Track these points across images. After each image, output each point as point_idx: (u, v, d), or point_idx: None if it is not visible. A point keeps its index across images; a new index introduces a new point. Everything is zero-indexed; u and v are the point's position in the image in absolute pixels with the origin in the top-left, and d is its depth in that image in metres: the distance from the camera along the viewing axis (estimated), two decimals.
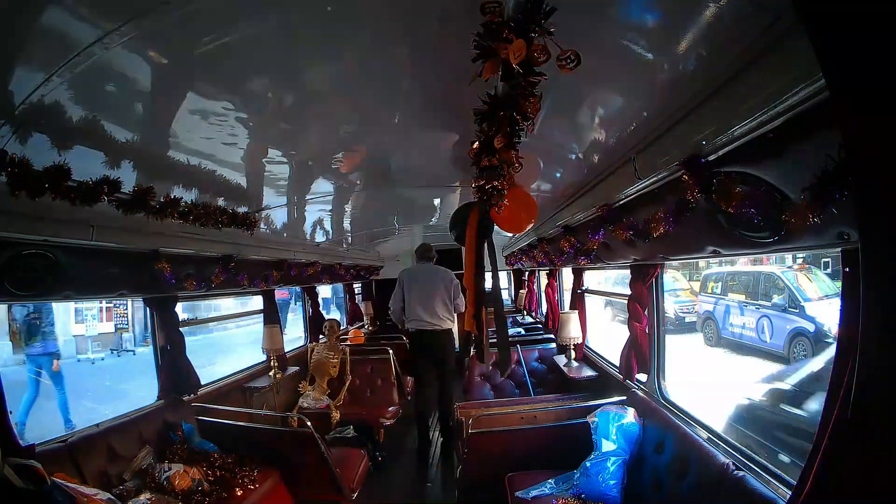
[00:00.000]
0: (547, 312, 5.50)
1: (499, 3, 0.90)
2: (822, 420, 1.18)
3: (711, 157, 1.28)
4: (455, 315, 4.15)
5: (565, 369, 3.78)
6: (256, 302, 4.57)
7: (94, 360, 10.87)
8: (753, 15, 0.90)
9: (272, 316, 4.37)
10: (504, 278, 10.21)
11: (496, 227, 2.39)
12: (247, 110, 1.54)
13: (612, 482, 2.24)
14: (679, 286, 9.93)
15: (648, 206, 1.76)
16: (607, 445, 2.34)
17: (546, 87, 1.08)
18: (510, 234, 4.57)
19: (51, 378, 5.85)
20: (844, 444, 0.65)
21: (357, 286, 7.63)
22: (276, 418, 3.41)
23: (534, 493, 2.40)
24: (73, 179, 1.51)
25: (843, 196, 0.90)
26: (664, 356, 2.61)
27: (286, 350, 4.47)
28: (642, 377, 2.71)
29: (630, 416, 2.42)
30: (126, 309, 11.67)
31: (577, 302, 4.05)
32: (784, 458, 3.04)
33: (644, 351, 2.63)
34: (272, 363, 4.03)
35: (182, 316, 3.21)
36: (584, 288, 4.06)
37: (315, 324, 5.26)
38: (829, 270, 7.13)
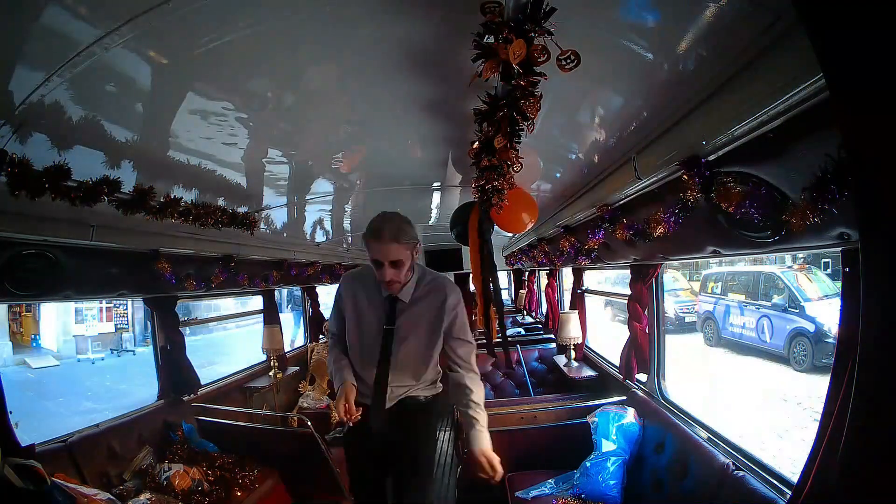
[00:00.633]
0: (547, 312, 5.50)
1: (499, 3, 0.90)
2: (822, 420, 1.18)
3: (711, 157, 1.28)
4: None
5: (565, 369, 3.78)
6: (256, 302, 4.57)
7: (93, 361, 10.87)
8: (753, 15, 0.90)
9: (272, 316, 4.38)
10: (503, 278, 10.23)
11: (496, 228, 2.39)
12: (247, 110, 1.53)
13: (612, 482, 2.24)
14: (679, 286, 9.94)
15: (648, 206, 1.76)
16: (607, 445, 2.34)
17: (546, 87, 1.08)
18: (510, 234, 4.57)
19: None
20: (844, 444, 0.65)
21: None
22: (276, 418, 3.41)
23: (534, 493, 2.40)
24: (73, 179, 1.51)
25: (843, 196, 0.90)
26: (664, 356, 2.61)
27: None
28: (642, 377, 2.71)
29: (630, 416, 2.42)
30: (126, 309, 11.68)
31: (577, 302, 4.05)
32: None
33: (644, 351, 2.63)
34: (272, 363, 4.03)
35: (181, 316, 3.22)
36: (583, 288, 4.06)
37: (315, 324, 5.26)
38: (829, 270, 7.13)
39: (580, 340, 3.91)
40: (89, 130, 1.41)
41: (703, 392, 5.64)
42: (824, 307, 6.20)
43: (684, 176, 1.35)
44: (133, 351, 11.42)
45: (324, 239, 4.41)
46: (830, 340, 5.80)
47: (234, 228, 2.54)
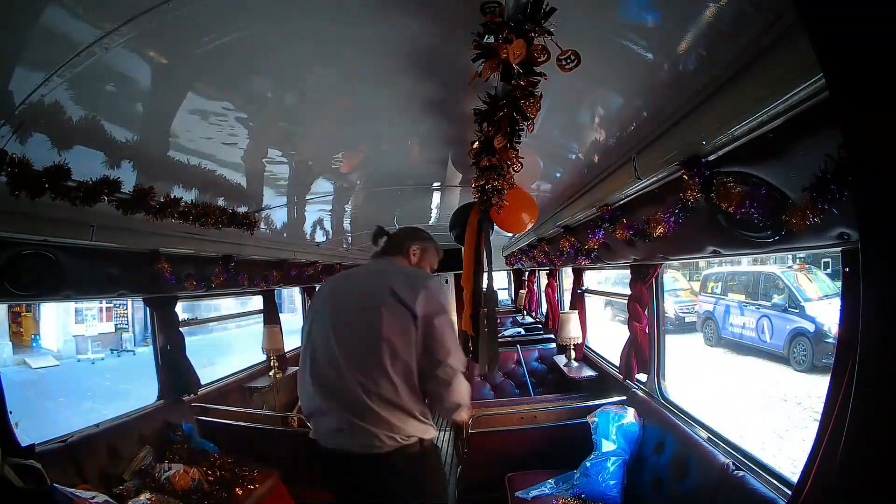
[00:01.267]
0: (547, 312, 5.50)
1: (499, 3, 0.90)
2: (822, 420, 1.18)
3: (711, 157, 1.28)
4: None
5: (565, 369, 3.78)
6: (256, 302, 4.57)
7: (93, 361, 10.88)
8: (753, 15, 0.90)
9: (272, 316, 4.37)
10: (503, 278, 10.22)
11: (496, 227, 2.39)
12: (247, 110, 1.54)
13: (612, 482, 2.24)
14: (679, 286, 9.94)
15: (648, 206, 1.76)
16: (607, 445, 2.34)
17: (546, 87, 1.08)
18: (510, 234, 4.57)
19: None
20: (844, 444, 0.65)
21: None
22: (276, 418, 3.41)
23: (534, 493, 2.40)
24: (73, 179, 1.51)
25: (843, 196, 0.90)
26: (664, 356, 2.61)
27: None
28: (642, 377, 2.72)
29: (630, 416, 2.42)
30: (126, 309, 11.69)
31: (577, 302, 4.05)
32: None
33: (644, 351, 2.63)
34: (272, 363, 4.03)
35: (182, 316, 3.21)
36: (583, 288, 4.06)
37: None
38: (829, 270, 7.13)
39: (580, 340, 3.91)
40: (89, 130, 1.41)
41: (703, 392, 5.64)
42: (824, 307, 6.21)
43: (684, 176, 1.35)
44: (133, 351, 11.43)
45: (324, 239, 4.40)
46: (830, 340, 5.80)
47: (234, 228, 2.54)
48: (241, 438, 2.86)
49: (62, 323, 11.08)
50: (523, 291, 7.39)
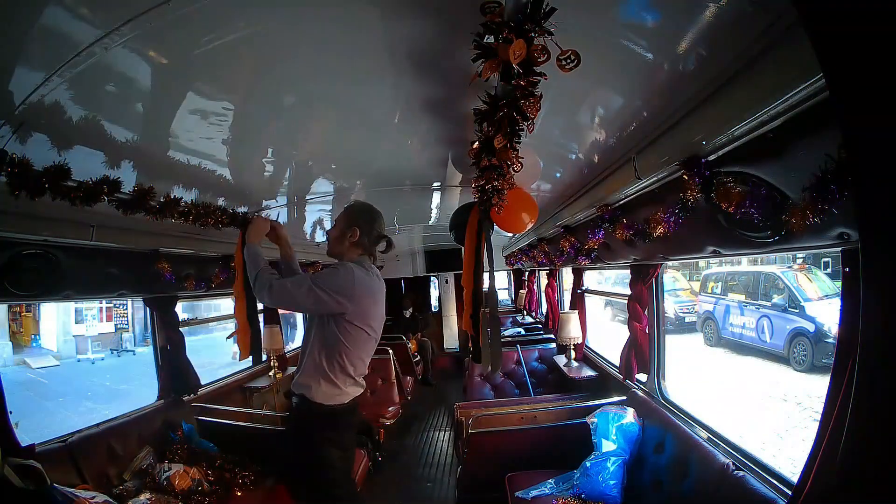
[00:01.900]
0: (547, 312, 5.50)
1: (499, 3, 0.90)
2: (822, 420, 1.18)
3: (711, 157, 1.28)
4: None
5: (565, 369, 3.78)
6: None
7: (93, 361, 10.87)
8: (753, 15, 0.90)
9: (272, 316, 4.37)
10: (503, 278, 10.22)
11: (496, 227, 2.39)
12: (247, 110, 1.54)
13: (612, 482, 2.24)
14: (679, 286, 9.94)
15: (648, 206, 1.76)
16: (607, 445, 2.34)
17: (546, 87, 1.08)
18: (510, 234, 4.57)
19: None
20: (844, 444, 0.65)
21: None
22: (276, 418, 3.40)
23: (534, 493, 2.40)
24: (73, 179, 1.51)
25: (843, 196, 0.90)
26: (664, 356, 2.61)
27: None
28: (642, 377, 2.71)
29: (630, 416, 2.42)
30: (126, 309, 11.68)
31: (577, 302, 4.05)
32: None
33: (644, 351, 2.63)
34: (272, 363, 4.03)
35: (182, 316, 3.21)
36: (583, 288, 4.06)
37: None
38: (829, 270, 7.13)
39: (580, 340, 3.91)
40: (89, 130, 1.41)
41: (704, 392, 5.63)
42: (824, 307, 6.20)
43: (684, 176, 1.35)
44: (133, 351, 11.43)
45: (324, 239, 4.40)
46: (830, 340, 5.80)
47: (234, 228, 2.54)
48: (241, 438, 2.86)
49: (62, 323, 11.08)
50: (523, 291, 7.39)
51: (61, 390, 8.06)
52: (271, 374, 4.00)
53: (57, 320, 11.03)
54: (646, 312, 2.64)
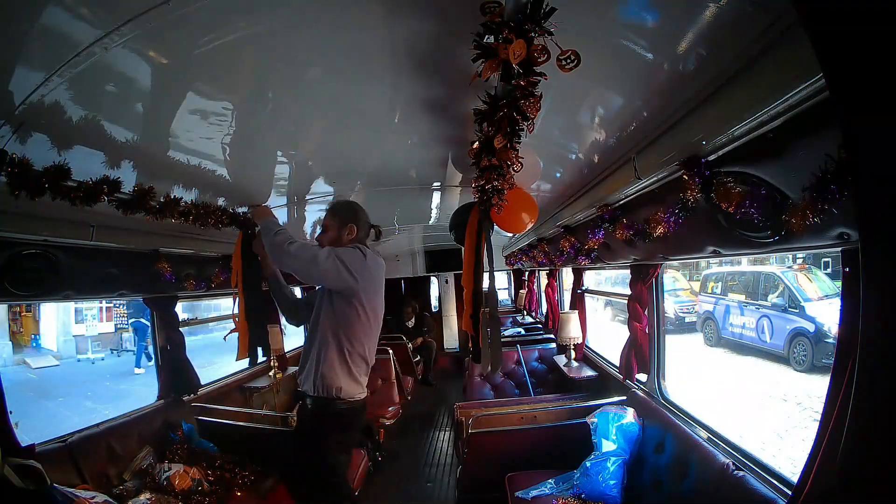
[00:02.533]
0: (547, 312, 5.50)
1: (499, 3, 0.90)
2: (822, 420, 1.18)
3: (711, 157, 1.28)
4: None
5: (565, 369, 3.78)
6: None
7: (93, 361, 10.86)
8: (753, 15, 0.90)
9: (272, 316, 4.37)
10: (503, 278, 10.22)
11: (496, 227, 2.39)
12: (247, 110, 1.54)
13: (612, 482, 2.24)
14: (679, 286, 9.94)
15: (648, 206, 1.76)
16: (607, 445, 2.34)
17: (546, 87, 1.08)
18: (510, 234, 4.57)
19: None
20: (844, 444, 0.65)
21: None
22: (276, 418, 3.40)
23: (534, 493, 2.40)
24: (73, 179, 1.51)
25: (843, 196, 0.90)
26: (664, 356, 2.61)
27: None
28: (642, 377, 2.71)
29: (630, 416, 2.42)
30: (126, 309, 11.67)
31: (577, 302, 4.05)
32: None
33: (644, 351, 2.63)
34: (272, 363, 4.03)
35: (182, 316, 3.21)
36: (583, 288, 4.06)
37: None
38: (829, 270, 7.13)
39: (580, 340, 3.91)
40: (89, 130, 1.40)
41: (704, 392, 5.63)
42: (824, 307, 6.20)
43: (684, 176, 1.35)
44: (133, 351, 11.41)
45: None
46: (830, 340, 5.80)
47: (234, 228, 2.54)
48: (241, 438, 2.86)
49: (62, 323, 11.08)
50: (523, 291, 7.39)
51: (61, 390, 8.06)
52: (271, 374, 4.00)
53: (57, 320, 11.02)
54: (646, 312, 2.64)
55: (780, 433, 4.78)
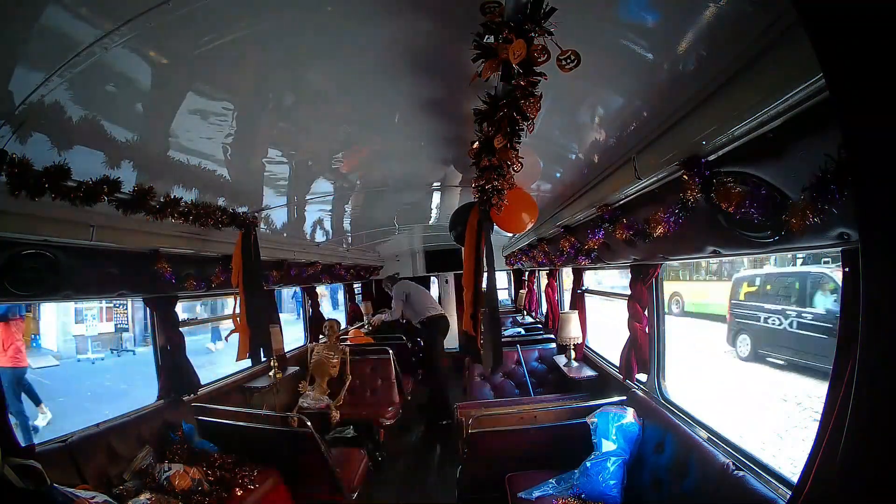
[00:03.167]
0: (547, 312, 5.50)
1: (499, 3, 0.90)
2: (823, 420, 1.18)
3: (711, 157, 1.28)
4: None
5: (565, 369, 3.78)
6: None
7: (93, 361, 10.86)
8: (753, 15, 0.90)
9: (272, 316, 4.37)
10: (503, 278, 10.22)
11: (496, 227, 2.39)
12: (247, 110, 1.54)
13: (612, 482, 2.24)
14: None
15: (648, 206, 1.76)
16: (607, 445, 2.34)
17: (546, 87, 1.08)
18: (510, 234, 4.57)
19: None
20: (844, 444, 0.65)
21: (357, 286, 7.66)
22: (276, 418, 3.40)
23: (536, 493, 2.40)
24: (73, 179, 1.51)
25: (843, 196, 0.90)
26: (664, 356, 2.61)
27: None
28: (642, 377, 2.71)
29: (630, 416, 2.42)
30: (126, 309, 11.67)
31: (577, 302, 4.05)
32: None
33: (644, 351, 2.63)
34: (272, 363, 4.03)
35: (182, 316, 3.21)
36: (584, 288, 4.06)
37: (315, 324, 5.27)
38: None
39: (580, 340, 3.91)
40: (89, 130, 1.41)
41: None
42: None
43: (684, 176, 1.35)
44: (133, 351, 11.41)
45: (324, 239, 4.41)
46: None
47: (234, 228, 2.54)
48: (241, 438, 2.86)
49: (62, 323, 11.07)
50: (523, 291, 7.39)
51: (61, 390, 8.06)
52: (271, 374, 4.00)
53: (57, 320, 11.02)
54: (646, 312, 2.64)
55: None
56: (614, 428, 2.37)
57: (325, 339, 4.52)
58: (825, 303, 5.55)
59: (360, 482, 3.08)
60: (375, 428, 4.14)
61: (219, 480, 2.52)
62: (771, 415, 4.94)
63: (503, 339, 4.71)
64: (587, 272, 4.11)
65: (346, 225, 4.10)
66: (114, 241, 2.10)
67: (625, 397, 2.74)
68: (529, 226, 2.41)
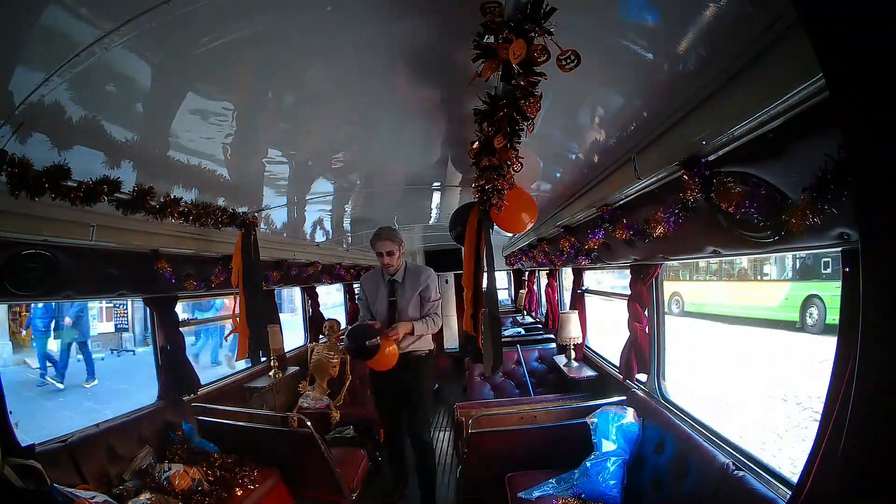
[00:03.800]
0: (547, 312, 5.50)
1: (499, 3, 0.90)
2: (823, 420, 1.18)
3: (711, 157, 1.28)
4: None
5: (565, 369, 3.78)
6: None
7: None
8: (753, 15, 0.90)
9: (272, 316, 4.37)
10: (503, 278, 10.22)
11: (496, 227, 2.39)
12: (247, 110, 1.54)
13: (612, 482, 2.24)
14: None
15: (648, 206, 1.76)
16: (607, 445, 2.34)
17: (546, 87, 1.08)
18: (510, 234, 4.57)
19: None
20: (844, 444, 0.65)
21: (357, 286, 7.66)
22: (276, 418, 3.40)
23: (536, 493, 2.40)
24: (73, 179, 1.51)
25: (843, 196, 0.90)
26: (664, 356, 2.61)
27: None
28: (642, 377, 2.71)
29: (630, 416, 2.42)
30: (126, 309, 11.67)
31: (577, 302, 4.05)
32: None
33: (644, 351, 2.63)
34: (272, 363, 4.03)
35: (182, 316, 3.21)
36: (584, 288, 4.06)
37: (315, 324, 5.27)
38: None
39: (580, 340, 3.91)
40: (89, 130, 1.41)
41: None
42: None
43: (684, 176, 1.35)
44: (133, 351, 11.41)
45: (324, 239, 4.41)
46: None
47: (234, 228, 2.54)
48: (241, 438, 2.86)
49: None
50: (523, 291, 7.39)
51: (61, 390, 8.05)
52: (271, 374, 4.00)
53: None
54: (646, 312, 2.64)
55: None
56: (614, 428, 2.37)
57: (325, 339, 4.52)
58: None
59: (359, 482, 3.08)
60: (375, 428, 4.14)
61: (219, 480, 2.52)
62: None
63: (503, 339, 4.73)
64: (587, 272, 4.11)
65: (346, 225, 4.10)
66: (114, 241, 2.11)
67: (625, 397, 2.74)
68: (529, 226, 2.41)
